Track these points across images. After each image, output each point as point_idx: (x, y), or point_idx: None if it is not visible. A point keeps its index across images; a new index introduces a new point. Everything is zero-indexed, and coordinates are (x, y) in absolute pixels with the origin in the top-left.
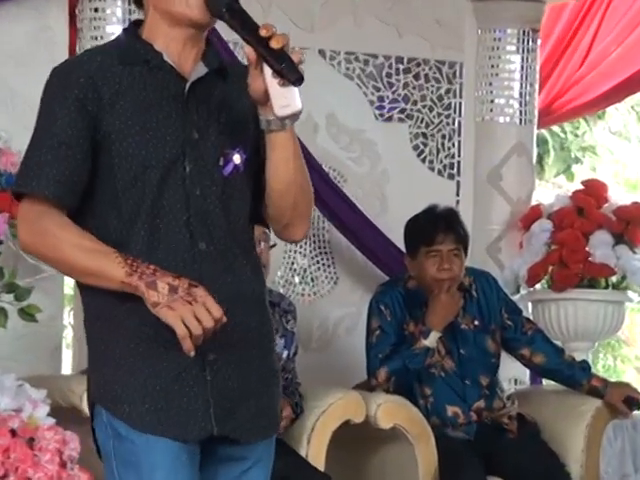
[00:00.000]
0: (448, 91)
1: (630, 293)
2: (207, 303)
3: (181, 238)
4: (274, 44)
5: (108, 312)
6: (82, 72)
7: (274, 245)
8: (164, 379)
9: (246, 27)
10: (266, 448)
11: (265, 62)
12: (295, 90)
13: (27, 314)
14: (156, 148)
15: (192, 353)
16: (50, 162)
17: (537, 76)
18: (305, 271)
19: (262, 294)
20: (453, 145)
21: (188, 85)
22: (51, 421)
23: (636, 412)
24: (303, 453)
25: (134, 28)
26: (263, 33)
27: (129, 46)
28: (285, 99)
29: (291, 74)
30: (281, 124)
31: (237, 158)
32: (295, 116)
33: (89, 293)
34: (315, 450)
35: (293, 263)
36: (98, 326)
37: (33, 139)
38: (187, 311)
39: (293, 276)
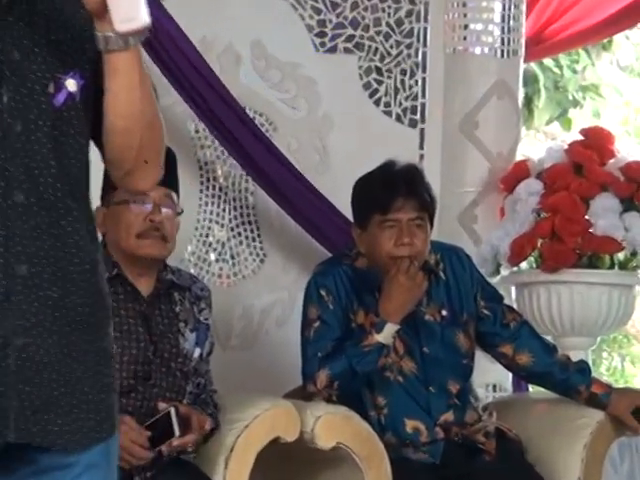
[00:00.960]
0: (410, 13)
1: None
2: None
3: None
4: None
5: None
6: None
7: (181, 212)
8: None
9: None
10: (102, 451)
11: None
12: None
13: None
14: None
15: None
16: None
17: None
18: (223, 245)
19: (96, 263)
20: (416, 83)
21: None
22: None
23: None
24: (219, 479)
25: None
26: None
27: None
28: (127, 10)
29: None
30: (123, 42)
31: (71, 84)
32: (140, 33)
33: None
34: (235, 476)
35: (208, 235)
36: None
37: None
38: None
39: (208, 252)
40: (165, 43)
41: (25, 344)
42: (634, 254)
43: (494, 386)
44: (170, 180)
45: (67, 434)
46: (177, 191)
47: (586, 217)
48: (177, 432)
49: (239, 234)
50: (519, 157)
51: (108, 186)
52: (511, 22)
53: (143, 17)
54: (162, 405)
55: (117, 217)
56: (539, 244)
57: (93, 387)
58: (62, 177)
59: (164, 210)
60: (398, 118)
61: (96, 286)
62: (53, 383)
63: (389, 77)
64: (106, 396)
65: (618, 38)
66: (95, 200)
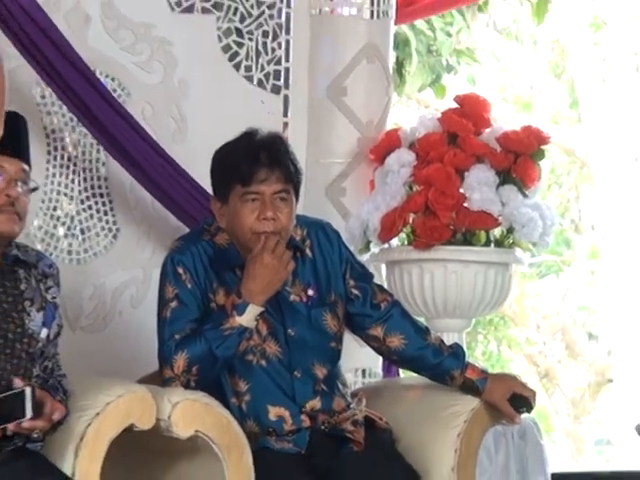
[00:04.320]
0: None
1: (519, 252)
2: None
3: None
4: None
5: None
6: None
7: (36, 188)
8: None
9: None
10: None
11: None
12: None
13: None
14: None
15: None
16: None
17: None
18: (72, 220)
19: None
20: (279, 46)
21: None
22: None
23: (525, 415)
24: (68, 470)
25: None
26: None
27: None
28: None
29: None
30: None
31: None
32: None
33: None
34: (86, 466)
35: (56, 209)
36: None
37: None
38: None
39: (56, 227)
40: (5, 1)
41: None
42: (510, 230)
43: (363, 371)
44: (25, 152)
45: None
46: (30, 165)
47: (461, 190)
48: (29, 414)
49: (89, 207)
50: (390, 126)
51: None
52: None
53: None
54: (18, 382)
55: None
56: (411, 219)
57: None
58: None
59: (20, 185)
60: (260, 83)
61: None
62: None
63: (250, 39)
64: None
65: None
66: None
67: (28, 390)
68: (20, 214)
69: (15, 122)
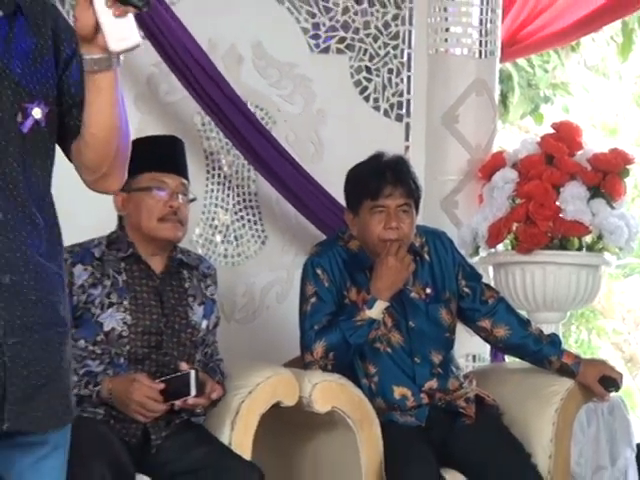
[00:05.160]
0: (396, 17)
1: (607, 256)
2: None
3: None
4: None
5: None
6: None
7: (194, 199)
8: None
9: None
10: (64, 434)
11: None
12: (132, 20)
13: None
14: None
15: None
16: None
17: (500, 1)
18: (228, 228)
19: (61, 263)
20: (402, 81)
21: None
22: None
23: (613, 394)
24: (226, 440)
25: None
26: None
27: None
28: (122, 31)
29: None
30: (109, 64)
31: (38, 112)
32: (132, 50)
33: None
34: (240, 437)
35: (214, 219)
36: None
37: None
38: None
39: (214, 234)
40: (175, 44)
41: (15, 343)
42: (600, 237)
43: (474, 356)
44: (183, 169)
45: (47, 419)
46: (188, 179)
47: (557, 203)
48: (193, 392)
49: (242, 218)
50: (496, 148)
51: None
52: (488, 25)
53: (136, 35)
54: (184, 366)
55: (138, 202)
56: (514, 228)
57: (64, 377)
58: (32, 197)
59: (180, 197)
60: (386, 113)
61: (64, 288)
62: (37, 376)
63: (377, 75)
64: (70, 385)
65: (585, 40)
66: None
67: (192, 373)
68: (182, 221)
69: (173, 144)
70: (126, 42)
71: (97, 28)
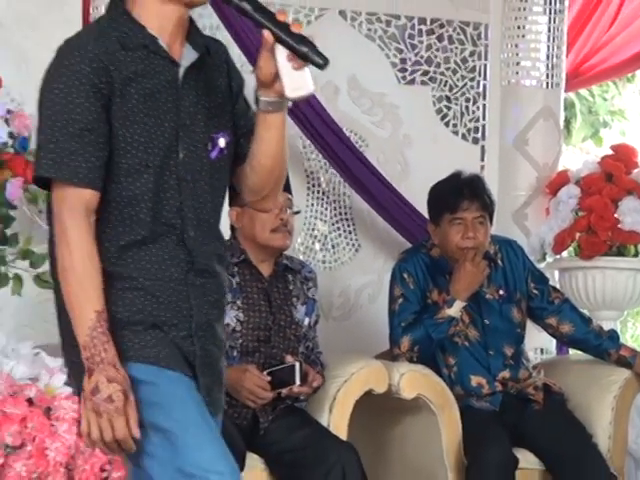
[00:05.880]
0: (472, 53)
1: None
2: (115, 423)
3: (174, 223)
4: (296, 29)
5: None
6: (93, 57)
7: (298, 212)
8: (163, 340)
9: (261, 11)
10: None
11: (286, 47)
12: (308, 72)
13: (43, 281)
14: (157, 135)
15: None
16: (78, 150)
17: (564, 38)
18: (326, 238)
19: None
20: (478, 109)
21: (182, 71)
22: (68, 390)
23: None
24: (325, 422)
25: (120, 3)
26: (282, 18)
27: (127, 29)
28: (299, 81)
29: (318, 58)
30: (282, 105)
31: (222, 142)
32: (305, 98)
33: None
34: (337, 419)
35: (314, 229)
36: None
37: (49, 124)
38: (92, 419)
39: (314, 243)
40: None
41: (201, 336)
42: None
43: (542, 350)
44: (288, 186)
45: (218, 408)
46: (292, 194)
47: (615, 215)
48: (298, 382)
49: (338, 228)
50: (561, 168)
51: (235, 192)
52: (554, 60)
53: (311, 85)
54: (289, 358)
55: (253, 216)
56: (577, 237)
57: (222, 373)
58: (214, 213)
59: (288, 210)
60: (463, 136)
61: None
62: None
63: (456, 104)
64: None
65: None
66: None
67: (297, 364)
68: (290, 232)
69: None
70: (301, 91)
71: (276, 76)
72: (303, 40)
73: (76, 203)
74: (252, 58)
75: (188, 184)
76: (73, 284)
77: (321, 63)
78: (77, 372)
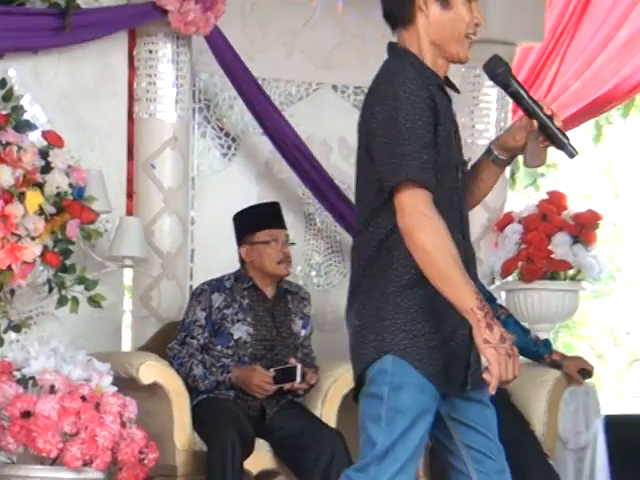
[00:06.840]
0: None
1: (584, 284)
2: (516, 363)
3: (459, 230)
4: (558, 122)
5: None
6: (428, 86)
7: (294, 243)
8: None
9: (531, 99)
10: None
11: (546, 133)
12: (548, 151)
13: (94, 302)
14: (455, 154)
15: (492, 392)
16: (429, 160)
17: (510, 106)
18: (320, 266)
19: None
20: None
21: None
22: (113, 389)
23: (588, 380)
24: (318, 413)
25: (412, 54)
26: (549, 112)
27: (429, 73)
28: (539, 154)
29: (572, 150)
30: (509, 162)
31: (467, 167)
32: (538, 167)
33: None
34: (328, 411)
35: (310, 259)
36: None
37: (404, 135)
38: (505, 361)
39: (310, 270)
40: (285, 139)
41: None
42: (579, 271)
43: None
44: (284, 224)
45: (478, 383)
46: (287, 230)
47: (549, 247)
48: (298, 379)
49: (330, 259)
50: (507, 209)
51: (244, 232)
52: (502, 123)
53: (545, 159)
54: (292, 361)
55: (261, 251)
56: (519, 265)
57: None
58: (466, 220)
59: (287, 244)
60: None
61: None
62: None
63: None
64: None
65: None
66: None
67: (299, 366)
68: (290, 262)
69: (277, 208)
70: (537, 162)
71: (523, 147)
72: (563, 133)
73: (430, 202)
74: (262, 124)
75: (461, 198)
76: (449, 260)
77: (574, 154)
78: (379, 346)
